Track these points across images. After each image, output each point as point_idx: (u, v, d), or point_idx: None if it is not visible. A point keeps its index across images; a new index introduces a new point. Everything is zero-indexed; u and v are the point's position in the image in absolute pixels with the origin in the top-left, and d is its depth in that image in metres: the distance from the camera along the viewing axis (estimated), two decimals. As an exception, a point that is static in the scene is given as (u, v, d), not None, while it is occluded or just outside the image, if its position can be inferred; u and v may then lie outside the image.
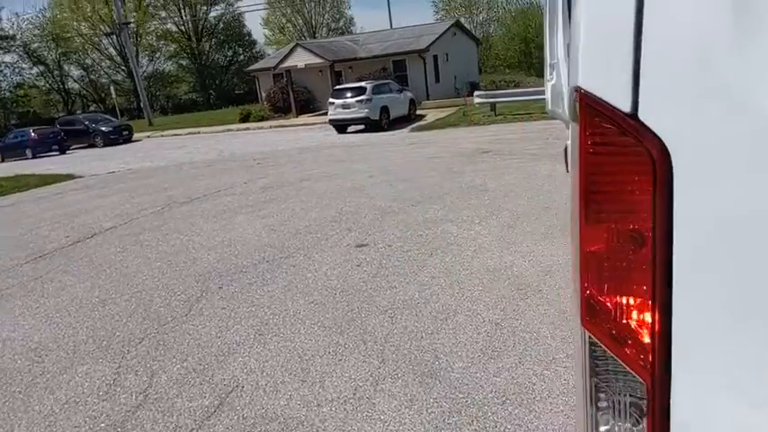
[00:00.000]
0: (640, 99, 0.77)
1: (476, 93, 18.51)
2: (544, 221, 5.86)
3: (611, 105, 0.79)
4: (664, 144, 0.76)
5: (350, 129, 19.81)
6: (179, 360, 3.77)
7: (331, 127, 19.96)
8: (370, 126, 19.06)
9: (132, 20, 47.62)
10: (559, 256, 4.85)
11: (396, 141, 15.01)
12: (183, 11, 55.16)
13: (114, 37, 47.80)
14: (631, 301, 0.84)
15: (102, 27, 48.21)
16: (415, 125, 19.24)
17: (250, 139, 20.45)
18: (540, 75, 39.07)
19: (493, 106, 17.68)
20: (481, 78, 36.97)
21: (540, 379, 3.15)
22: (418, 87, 27.95)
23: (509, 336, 3.65)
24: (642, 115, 0.77)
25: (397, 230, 6.13)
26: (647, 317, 0.82)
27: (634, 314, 0.84)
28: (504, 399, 3.00)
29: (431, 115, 22.41)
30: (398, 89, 21.85)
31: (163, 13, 54.47)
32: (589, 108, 0.82)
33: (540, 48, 39.90)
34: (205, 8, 55.92)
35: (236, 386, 3.38)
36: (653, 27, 0.74)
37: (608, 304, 0.87)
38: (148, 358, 3.85)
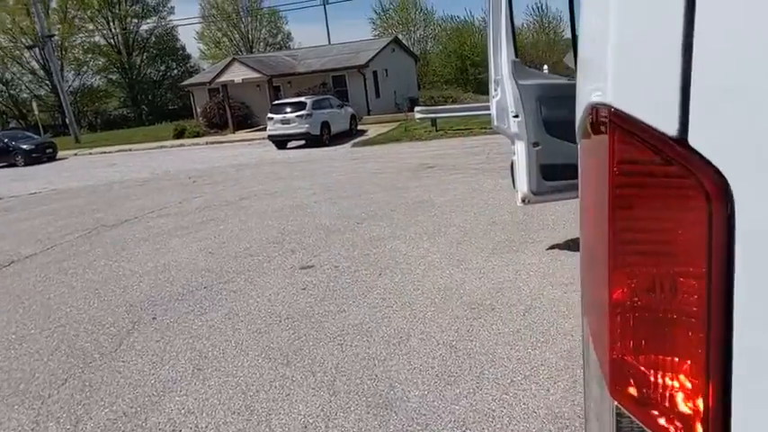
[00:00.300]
0: (690, 121, 0.61)
1: (417, 108, 18.61)
2: (492, 237, 5.80)
3: (652, 128, 0.63)
4: (721, 174, 0.60)
5: (290, 144, 19.47)
6: (108, 403, 3.40)
7: (270, 143, 19.55)
8: (311, 141, 18.79)
9: (56, 33, 45.44)
10: (509, 272, 4.77)
11: (338, 157, 14.83)
12: (111, 23, 53.20)
13: (37, 50, 45.41)
14: (677, 366, 0.67)
15: (23, 40, 45.73)
16: (356, 140, 19.12)
17: (185, 156, 19.74)
18: (477, 91, 40.02)
19: (434, 122, 17.81)
20: (420, 94, 37.38)
21: (499, 404, 3.01)
22: (359, 103, 27.92)
23: (465, 358, 3.50)
24: (693, 140, 0.61)
25: (344, 250, 5.91)
26: (698, 388, 0.65)
27: (678, 382, 0.67)
28: (464, 429, 2.83)
29: (372, 130, 22.37)
30: (339, 104, 21.71)
31: (90, 26, 52.29)
32: (621, 130, 0.65)
33: (476, 65, 41.06)
34: (136, 21, 54.17)
35: (173, 430, 3.06)
36: (706, 36, 0.59)
37: (645, 370, 0.69)
38: (72, 402, 3.45)
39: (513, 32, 4.77)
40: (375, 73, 29.86)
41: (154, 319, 4.65)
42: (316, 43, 38.38)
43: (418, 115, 18.04)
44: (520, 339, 3.66)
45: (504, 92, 4.81)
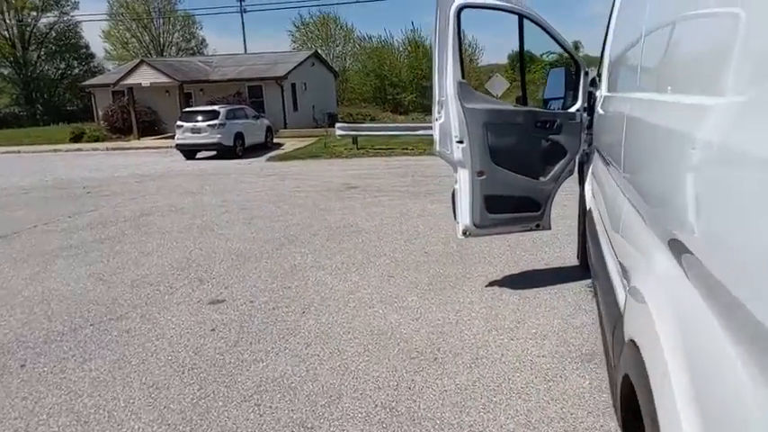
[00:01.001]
0: None
1: (338, 125, 18.10)
2: (426, 270, 5.33)
3: None
4: None
5: (200, 155, 18.32)
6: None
7: (178, 152, 18.28)
8: (223, 153, 17.76)
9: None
10: (449, 313, 4.29)
11: (253, 171, 13.96)
12: (6, 14, 48.80)
13: None
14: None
15: None
16: (273, 154, 18.29)
17: (82, 163, 18.02)
18: (395, 111, 40.21)
19: (355, 139, 17.36)
20: (339, 110, 36.98)
21: (454, 490, 2.48)
22: (275, 115, 27.04)
23: (408, 425, 2.95)
24: None
25: (261, 281, 5.21)
26: None
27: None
28: None
29: (289, 144, 21.61)
30: (255, 115, 20.81)
31: (-20, 16, 47.69)
32: None
33: (394, 85, 41.28)
34: (35, 14, 50.01)
35: None
36: None
37: None
38: None
39: (461, 52, 4.36)
40: (293, 85, 29.14)
41: (23, 366, 3.75)
42: (231, 52, 37.02)
43: (339, 132, 17.53)
44: (469, 398, 3.16)
45: (449, 115, 4.39)
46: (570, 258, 5.51)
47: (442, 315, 4.28)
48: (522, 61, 4.97)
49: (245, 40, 65.30)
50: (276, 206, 8.75)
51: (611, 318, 2.14)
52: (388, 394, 3.23)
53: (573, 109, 4.68)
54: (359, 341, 3.91)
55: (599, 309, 3.41)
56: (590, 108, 4.70)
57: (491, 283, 4.92)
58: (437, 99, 4.40)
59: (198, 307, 4.64)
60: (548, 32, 4.52)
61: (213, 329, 4.19)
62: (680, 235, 1.30)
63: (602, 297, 2.70)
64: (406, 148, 16.88)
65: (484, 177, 4.44)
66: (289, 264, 5.70)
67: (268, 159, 16.98)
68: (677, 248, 1.32)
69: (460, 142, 4.39)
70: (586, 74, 4.68)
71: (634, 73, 2.13)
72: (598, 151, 3.41)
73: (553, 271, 5.22)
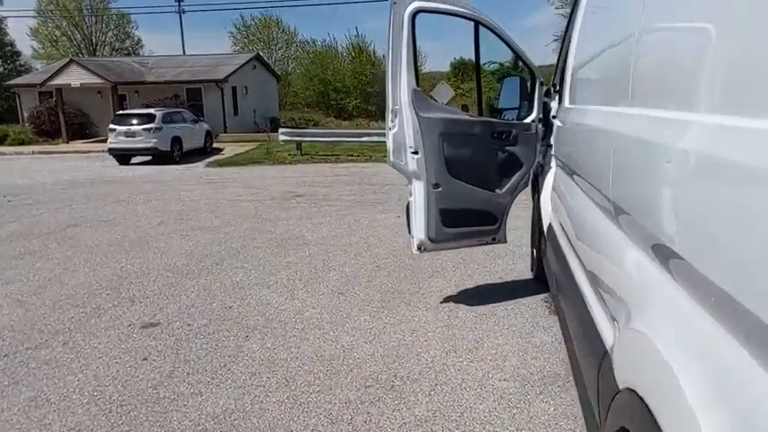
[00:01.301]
0: None
1: (281, 130, 17.61)
2: (378, 285, 5.08)
3: None
4: None
5: (134, 160, 17.45)
6: None
7: (111, 157, 17.34)
8: (160, 158, 16.96)
9: None
10: (405, 334, 4.06)
11: (191, 178, 13.33)
12: None
13: None
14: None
15: None
16: (212, 159, 17.63)
17: (4, 168, 16.80)
18: (338, 116, 39.88)
19: (299, 145, 16.95)
20: (281, 114, 36.33)
21: None
22: (215, 119, 26.23)
23: (366, 466, 2.68)
24: None
25: (200, 301, 4.82)
26: None
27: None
28: None
29: (229, 149, 20.94)
30: (193, 119, 20.05)
31: None
32: None
33: (338, 91, 40.93)
34: (-48, 8, 46.72)
35: None
36: None
37: None
38: None
39: (415, 58, 4.16)
40: (234, 89, 28.40)
41: None
42: (169, 53, 35.72)
43: (282, 137, 17.06)
44: (430, 432, 2.93)
45: (403, 124, 4.17)
46: (524, 271, 5.39)
47: (397, 336, 4.04)
48: (478, 69, 4.83)
49: (183, 42, 63.42)
50: (216, 216, 8.29)
51: (592, 355, 1.93)
52: (342, 430, 2.95)
53: (528, 120, 4.56)
54: (308, 368, 3.61)
55: (563, 329, 3.26)
56: (545, 119, 4.61)
57: (446, 299, 4.72)
58: (390, 107, 4.17)
59: (129, 332, 4.21)
60: (503, 41, 4.38)
61: (146, 358, 3.79)
62: (702, 264, 1.12)
63: (575, 324, 2.52)
64: (352, 155, 16.62)
65: (440, 190, 4.24)
66: (230, 281, 5.31)
67: (207, 165, 16.33)
68: (699, 282, 1.13)
69: (415, 153, 4.18)
70: (541, 84, 4.57)
71: (620, 86, 1.95)
72: (562, 165, 3.27)
73: (508, 285, 5.08)
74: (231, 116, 28.30)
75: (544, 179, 4.71)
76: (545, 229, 4.49)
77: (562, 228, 3.24)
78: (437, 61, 76.16)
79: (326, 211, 8.53)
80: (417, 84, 4.16)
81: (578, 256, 2.62)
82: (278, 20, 46.82)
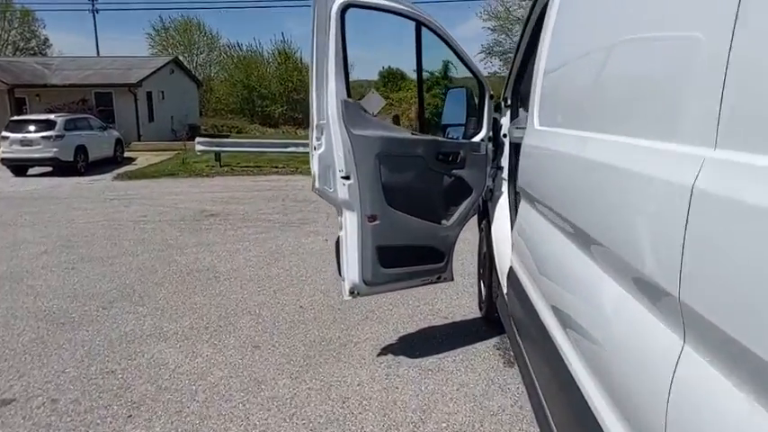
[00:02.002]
0: None
1: (198, 139, 16.31)
2: (302, 333, 4.24)
3: None
4: None
5: (33, 171, 15.68)
6: None
7: (4, 167, 15.50)
8: (62, 169, 15.30)
9: None
10: (335, 405, 3.25)
11: (93, 193, 11.90)
12: None
13: None
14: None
15: None
16: (122, 170, 16.11)
17: None
18: (264, 123, 38.50)
19: (218, 155, 15.73)
20: (203, 122, 34.64)
21: None
22: (128, 126, 24.48)
23: None
24: None
25: (74, 363, 3.80)
26: None
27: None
28: None
29: (142, 159, 19.39)
30: (102, 126, 18.39)
31: None
32: None
33: (263, 97, 39.57)
34: None
35: None
36: None
37: None
38: None
39: (346, 63, 3.39)
40: (149, 94, 26.64)
41: None
42: (80, 55, 33.10)
43: (199, 147, 15.79)
44: None
45: (331, 143, 3.39)
46: (471, 308, 4.73)
47: (324, 408, 3.22)
48: (419, 78, 4.10)
49: (97, 44, 59.22)
50: (113, 243, 7.14)
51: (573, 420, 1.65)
52: None
53: (477, 138, 3.90)
54: (208, 467, 2.73)
55: (529, 395, 2.61)
56: (494, 137, 3.97)
57: (384, 350, 3.96)
58: (315, 122, 3.37)
59: (-34, 417, 3.17)
60: (448, 45, 3.69)
61: (-19, 461, 2.78)
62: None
63: (553, 397, 1.94)
64: (276, 166, 15.62)
65: (377, 223, 3.48)
66: (118, 332, 4.31)
67: (115, 177, 14.84)
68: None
69: (347, 178, 3.41)
70: (491, 97, 3.92)
71: (638, 110, 1.36)
72: (531, 201, 2.60)
73: (454, 327, 4.39)
74: (146, 123, 26.50)
75: (495, 206, 4.07)
76: (502, 270, 3.83)
77: (530, 276, 2.56)
78: (364, 70, 75.76)
79: (244, 234, 7.57)
80: (349, 94, 3.40)
81: (564, 323, 1.96)
82: (199, 22, 44.92)
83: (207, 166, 15.66)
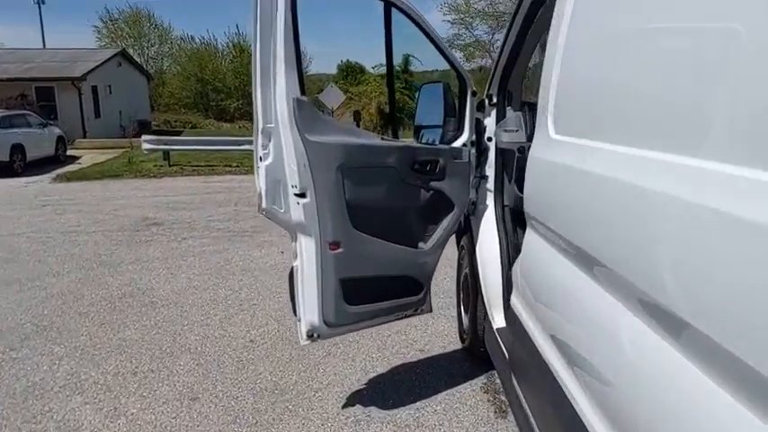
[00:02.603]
0: None
1: (144, 137, 15.22)
2: (252, 377, 3.54)
3: None
4: None
5: (-40, 173, 14.34)
6: None
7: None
8: (-5, 170, 14.06)
9: None
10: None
11: (24, 198, 10.79)
12: None
13: None
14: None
15: None
16: (63, 171, 14.94)
17: None
18: (219, 118, 37.14)
19: (166, 154, 14.70)
20: (154, 117, 33.19)
21: None
22: (73, 122, 23.09)
23: None
24: None
25: (-42, 432, 3.01)
26: None
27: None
28: None
29: (87, 158, 18.18)
30: (41, 123, 17.09)
31: None
32: None
33: (218, 91, 38.18)
34: None
35: None
36: None
37: None
38: None
39: (298, 52, 2.69)
40: (95, 88, 25.20)
41: None
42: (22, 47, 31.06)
43: (146, 146, 14.71)
44: None
45: (281, 152, 2.70)
46: (449, 336, 4.12)
47: (277, 488, 2.55)
48: (389, 68, 3.39)
49: (43, 35, 56.18)
50: (38, 260, 6.23)
51: None
52: None
53: (458, 143, 3.27)
54: None
55: None
56: (477, 141, 3.34)
57: (351, 399, 3.30)
58: (260, 127, 2.67)
59: None
60: (424, 32, 3.04)
61: None
62: None
63: None
64: (230, 165, 14.70)
65: (340, 251, 2.80)
66: (25, 382, 3.51)
67: (54, 179, 13.67)
68: None
69: (301, 196, 2.72)
70: (474, 94, 3.28)
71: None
72: (546, 234, 1.97)
73: (432, 363, 3.76)
74: (92, 119, 25.05)
75: (479, 222, 3.46)
76: (489, 299, 3.22)
77: (546, 333, 1.95)
78: (322, 64, 74.20)
79: (190, 246, 6.76)
80: (303, 91, 2.70)
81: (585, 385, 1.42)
82: (149, 14, 43.06)
83: (155, 165, 14.62)
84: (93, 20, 65.79)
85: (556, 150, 1.89)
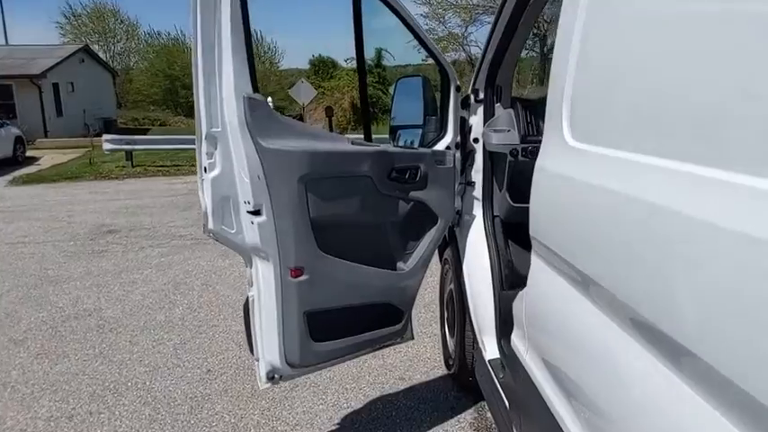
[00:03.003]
0: None
1: (105, 136, 14.48)
2: (206, 421, 3.06)
3: None
4: None
5: None
6: None
7: None
8: (-57, 174, 13.22)
9: None
10: None
11: (-25, 203, 10.07)
12: None
13: None
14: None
15: None
16: (21, 173, 14.16)
17: None
18: (189, 115, 36.06)
19: (129, 154, 13.99)
20: (121, 114, 32.15)
21: None
22: (33, 121, 22.17)
23: None
24: None
25: None
26: None
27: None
28: None
29: (48, 158, 17.37)
30: (-3, 123, 16.24)
31: None
32: None
33: (187, 87, 36.97)
34: None
35: None
36: None
37: None
38: None
39: (249, 44, 2.21)
40: (56, 86, 24.23)
41: None
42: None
43: (108, 145, 13.97)
44: None
45: (230, 162, 2.24)
46: (433, 360, 3.69)
47: None
48: (360, 56, 2.88)
49: (5, 31, 53.95)
50: (-26, 276, 5.63)
51: None
52: None
53: (441, 145, 2.83)
54: None
55: None
56: (462, 143, 2.92)
57: (322, 443, 2.85)
58: (203, 131, 2.20)
59: None
60: (400, 17, 2.59)
61: None
62: None
63: None
64: (195, 164, 14.04)
65: (304, 278, 2.34)
66: (-66, 433, 2.99)
67: (10, 182, 12.90)
68: None
69: (256, 213, 2.26)
70: (458, 89, 2.84)
71: None
72: (557, 264, 1.55)
73: (415, 394, 3.33)
74: (53, 118, 24.10)
75: (465, 235, 3.03)
76: (480, 325, 2.80)
77: (564, 394, 1.53)
78: (295, 59, 73.03)
79: (147, 257, 6.21)
80: (256, 88, 2.22)
81: None
82: (114, 9, 41.71)
83: (117, 166, 13.91)
84: (56, 16, 63.81)
85: (576, 162, 1.46)
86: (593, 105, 1.42)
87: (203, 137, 2.21)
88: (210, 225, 2.28)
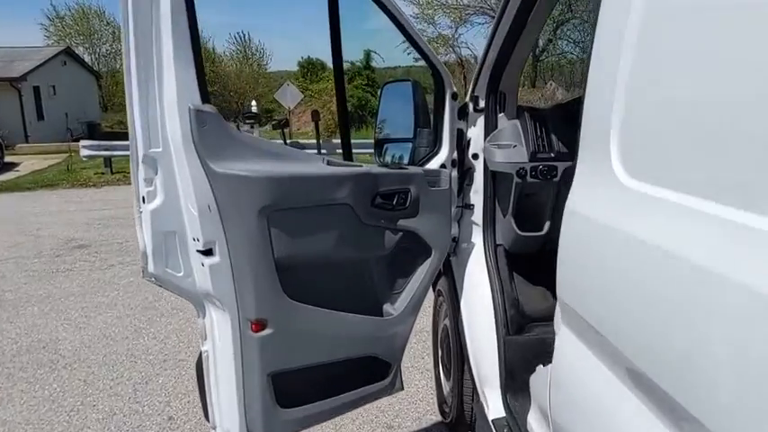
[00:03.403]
0: None
1: (83, 142, 13.93)
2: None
3: None
4: None
5: None
6: None
7: None
8: None
9: None
10: None
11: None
12: None
13: None
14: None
15: None
16: (-5, 180, 13.59)
17: None
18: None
19: (108, 161, 13.44)
20: (106, 118, 31.52)
21: None
22: (12, 126, 21.50)
23: None
24: None
25: None
26: None
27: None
28: None
29: (28, 164, 16.82)
30: (-29, 129, 15.66)
31: None
32: None
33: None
34: None
35: None
36: None
37: None
38: None
39: (196, 43, 1.78)
40: (37, 89, 23.59)
41: None
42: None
43: (85, 152, 13.41)
44: None
45: (175, 190, 1.81)
46: (425, 401, 3.28)
47: None
48: (336, 53, 2.44)
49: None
50: None
51: None
52: None
53: (435, 163, 2.40)
54: None
55: None
56: (459, 159, 2.50)
57: None
58: (139, 154, 1.76)
59: None
60: (390, 15, 2.16)
61: None
62: None
63: None
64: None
65: (268, 332, 1.90)
66: None
67: (-17, 190, 12.34)
68: None
69: (208, 253, 1.82)
70: (454, 96, 2.41)
71: None
72: (591, 338, 1.13)
73: (405, 445, 2.91)
74: (34, 122, 23.45)
75: (463, 266, 2.62)
76: (480, 373, 2.38)
77: None
78: (283, 62, 72.36)
79: (116, 276, 5.73)
80: (205, 97, 1.78)
81: None
82: (100, 10, 41.00)
83: (96, 173, 13.36)
84: (40, 17, 62.87)
85: (634, 210, 1.03)
86: (667, 129, 0.99)
87: (140, 160, 1.77)
88: (151, 268, 1.85)
